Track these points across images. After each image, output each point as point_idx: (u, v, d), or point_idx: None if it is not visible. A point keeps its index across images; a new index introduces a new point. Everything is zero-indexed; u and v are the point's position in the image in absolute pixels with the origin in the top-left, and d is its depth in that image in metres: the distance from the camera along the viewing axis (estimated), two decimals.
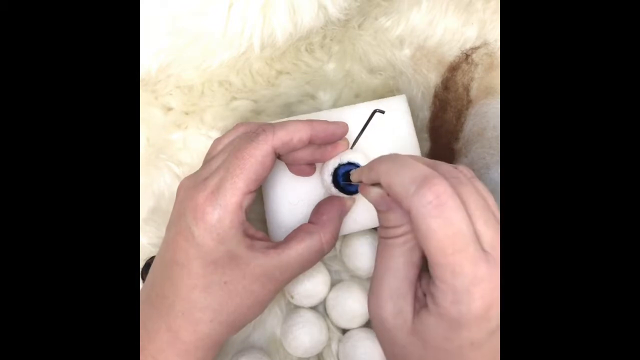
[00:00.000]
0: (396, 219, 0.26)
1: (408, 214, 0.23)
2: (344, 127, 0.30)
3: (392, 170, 0.25)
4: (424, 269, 0.26)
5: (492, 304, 0.22)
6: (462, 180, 0.24)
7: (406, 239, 0.26)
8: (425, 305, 0.24)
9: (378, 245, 0.27)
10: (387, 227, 0.27)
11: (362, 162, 0.31)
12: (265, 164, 0.27)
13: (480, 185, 0.25)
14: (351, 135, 0.31)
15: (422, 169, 0.24)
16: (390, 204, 0.26)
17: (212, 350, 0.28)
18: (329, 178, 0.31)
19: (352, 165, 0.31)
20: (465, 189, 0.24)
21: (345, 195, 0.31)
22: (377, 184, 0.27)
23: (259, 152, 0.27)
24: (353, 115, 0.33)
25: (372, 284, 0.26)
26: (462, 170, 0.26)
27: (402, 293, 0.25)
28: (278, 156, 0.29)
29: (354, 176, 0.29)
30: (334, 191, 0.31)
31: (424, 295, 0.25)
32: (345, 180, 0.31)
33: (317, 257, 0.29)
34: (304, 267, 0.29)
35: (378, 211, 0.28)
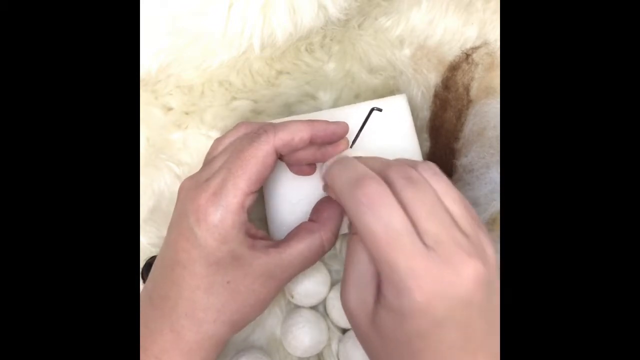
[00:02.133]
0: None
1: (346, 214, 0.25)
2: (345, 127, 0.30)
3: (334, 173, 0.27)
4: None
5: (433, 296, 0.22)
6: (413, 180, 0.25)
7: None
8: (378, 297, 0.25)
9: (347, 239, 0.28)
10: (352, 223, 0.27)
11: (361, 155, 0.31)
12: (267, 165, 0.27)
13: (438, 183, 0.25)
14: (351, 134, 0.31)
15: (360, 170, 0.25)
16: None
17: (215, 350, 0.28)
18: None
19: None
20: (411, 188, 0.24)
21: None
22: None
23: (261, 153, 0.27)
24: (353, 115, 0.33)
25: (342, 275, 0.27)
26: (420, 169, 0.26)
27: (364, 283, 0.25)
28: (279, 156, 0.29)
29: (321, 173, 0.31)
30: None
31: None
32: None
33: (318, 255, 0.29)
34: (305, 265, 0.29)
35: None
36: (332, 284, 0.35)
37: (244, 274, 0.27)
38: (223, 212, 0.26)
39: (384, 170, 0.25)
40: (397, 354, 0.24)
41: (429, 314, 0.23)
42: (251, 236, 0.28)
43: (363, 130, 0.31)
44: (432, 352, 0.23)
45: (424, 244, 0.23)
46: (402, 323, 0.23)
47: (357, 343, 0.33)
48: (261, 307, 0.28)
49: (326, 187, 0.30)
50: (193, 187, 0.27)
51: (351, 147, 0.32)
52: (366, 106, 0.35)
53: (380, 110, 0.29)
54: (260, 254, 0.27)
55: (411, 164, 0.26)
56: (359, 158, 0.28)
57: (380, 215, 0.23)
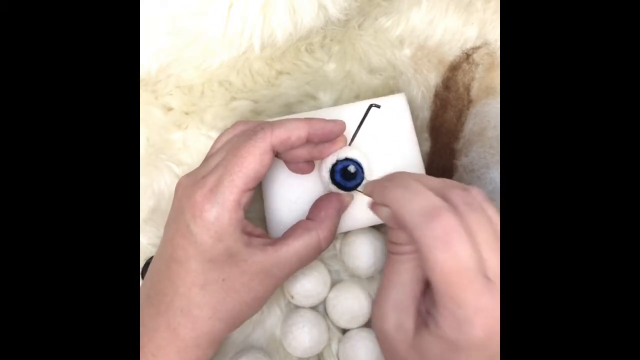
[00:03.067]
0: (405, 237, 0.27)
1: (415, 242, 0.24)
2: (342, 125, 0.30)
3: (401, 200, 0.25)
4: (428, 286, 0.26)
5: (493, 332, 0.23)
6: (474, 207, 0.24)
7: (413, 257, 0.26)
8: (426, 323, 0.24)
9: (386, 259, 0.28)
10: (395, 243, 0.27)
11: (360, 158, 0.31)
12: (264, 162, 0.27)
13: (490, 209, 0.25)
14: (349, 133, 0.31)
15: (432, 199, 0.24)
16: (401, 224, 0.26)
17: (212, 348, 0.28)
18: (326, 175, 0.31)
19: (350, 161, 0.31)
20: (475, 216, 0.24)
21: (343, 192, 0.31)
22: None
23: (257, 151, 0.27)
24: (351, 113, 0.33)
25: (377, 296, 0.27)
26: (474, 194, 0.25)
27: (405, 307, 0.25)
28: (276, 154, 0.29)
29: (366, 189, 0.30)
30: (332, 188, 0.31)
31: (427, 312, 0.25)
32: (342, 176, 0.31)
33: (315, 254, 0.29)
34: (302, 263, 0.29)
35: (388, 227, 0.28)
36: (332, 285, 0.35)
37: (240, 272, 0.27)
38: (219, 209, 0.26)
39: (444, 193, 0.25)
40: None
41: (486, 349, 0.23)
42: (248, 233, 0.28)
43: (362, 129, 0.31)
44: None
45: (486, 276, 0.23)
46: (455, 354, 0.23)
47: (357, 343, 0.33)
48: (258, 305, 0.28)
49: (375, 205, 0.28)
50: (190, 184, 0.27)
51: (349, 144, 0.32)
52: (365, 104, 0.35)
53: (378, 106, 0.29)
54: (256, 252, 0.27)
55: (462, 186, 0.26)
56: (412, 175, 0.27)
57: (456, 252, 0.23)
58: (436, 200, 0.24)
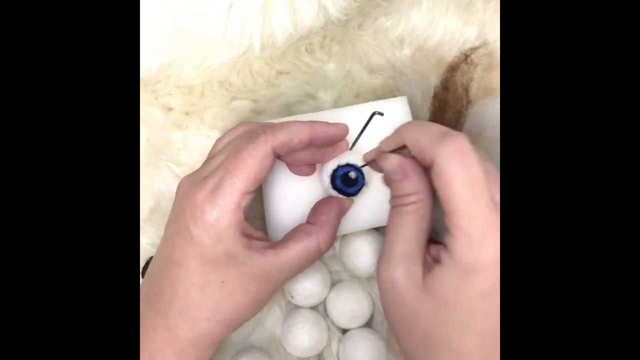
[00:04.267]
0: (410, 187, 0.27)
1: (425, 169, 0.26)
2: (345, 129, 0.30)
3: (417, 128, 0.27)
4: (431, 239, 0.28)
5: (498, 257, 0.23)
6: (478, 149, 0.26)
7: (418, 207, 0.27)
8: (435, 264, 0.25)
9: (389, 215, 0.28)
10: (400, 196, 0.28)
11: (361, 163, 0.31)
12: (265, 165, 0.27)
13: (490, 160, 0.27)
14: (351, 136, 0.31)
15: (445, 127, 0.26)
16: (407, 171, 0.28)
17: (210, 349, 0.28)
18: (327, 179, 0.31)
19: (351, 167, 0.31)
20: (481, 155, 0.25)
21: (343, 197, 0.32)
22: (394, 152, 0.29)
23: (259, 153, 0.27)
24: (353, 116, 0.33)
25: (383, 249, 0.27)
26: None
27: (414, 256, 0.26)
28: (278, 156, 0.29)
29: (370, 154, 0.31)
30: (333, 192, 0.31)
31: (433, 260, 0.26)
32: (343, 182, 0.31)
33: (315, 258, 0.29)
34: (302, 267, 0.29)
35: (393, 181, 0.29)
36: (332, 284, 0.35)
37: (240, 274, 0.27)
38: (219, 211, 0.26)
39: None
40: (452, 318, 0.24)
41: (495, 272, 0.23)
42: (248, 236, 0.28)
43: (363, 132, 0.31)
44: (490, 314, 0.24)
45: (494, 202, 0.24)
46: (467, 281, 0.24)
47: (357, 343, 0.33)
48: (256, 307, 0.28)
49: (383, 156, 0.29)
50: (191, 185, 0.27)
51: (351, 149, 0.32)
52: (367, 107, 0.35)
53: (381, 114, 0.29)
54: (256, 254, 0.27)
55: None
56: None
57: (470, 166, 0.24)
58: (446, 128, 0.26)
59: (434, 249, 0.27)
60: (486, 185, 0.24)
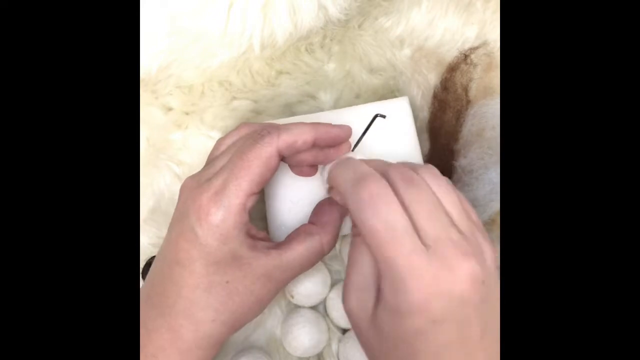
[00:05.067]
0: None
1: (349, 212, 0.25)
2: (348, 131, 0.30)
3: (337, 173, 0.27)
4: None
5: (431, 296, 0.23)
6: (414, 182, 0.25)
7: None
8: (379, 297, 0.25)
9: (350, 242, 0.28)
10: (354, 225, 0.27)
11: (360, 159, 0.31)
12: (270, 166, 0.27)
13: (440, 185, 0.26)
14: (353, 137, 0.31)
15: (362, 169, 0.26)
16: None
17: (213, 350, 0.28)
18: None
19: None
20: (412, 190, 0.25)
21: None
22: None
23: (264, 154, 0.27)
24: (355, 117, 0.33)
25: (345, 278, 0.27)
26: (420, 171, 0.26)
27: (365, 287, 0.25)
28: (281, 158, 0.29)
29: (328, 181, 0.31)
30: None
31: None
32: None
33: (317, 258, 0.29)
34: (304, 267, 0.29)
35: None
36: (332, 284, 0.35)
37: (244, 275, 0.27)
38: (224, 213, 0.26)
39: (385, 171, 0.26)
40: (396, 354, 0.24)
41: (427, 313, 0.23)
42: (251, 237, 0.28)
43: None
44: (430, 351, 0.23)
45: (423, 243, 0.23)
46: (401, 322, 0.23)
47: (357, 343, 0.33)
48: (259, 308, 0.28)
49: (330, 189, 0.30)
50: (195, 187, 0.27)
51: (353, 150, 0.32)
52: (369, 108, 0.35)
53: (384, 116, 0.29)
54: (260, 255, 0.27)
55: (411, 166, 0.27)
56: (359, 159, 0.29)
57: (381, 213, 0.24)
58: (367, 171, 0.26)
59: None
60: (404, 229, 0.23)
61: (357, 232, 0.27)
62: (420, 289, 0.23)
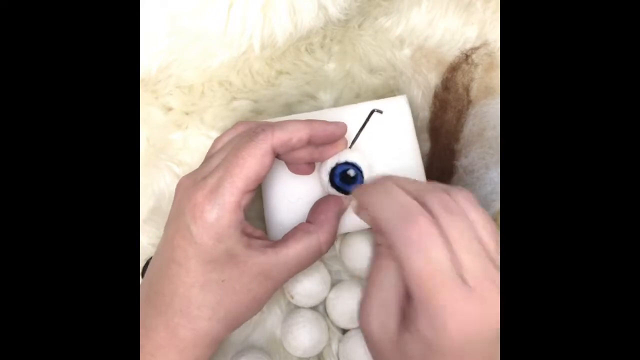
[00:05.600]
0: None
1: (391, 248, 0.24)
2: (343, 128, 0.30)
3: (378, 205, 0.25)
4: None
5: (469, 335, 0.22)
6: (452, 210, 0.24)
7: None
8: (408, 323, 0.24)
9: (372, 260, 0.27)
10: (380, 245, 0.27)
11: (360, 162, 0.31)
12: (264, 164, 0.27)
13: (473, 212, 0.25)
14: (350, 135, 0.31)
15: (407, 203, 0.24)
16: None
17: (210, 348, 0.28)
18: (326, 177, 0.31)
19: (350, 164, 0.31)
20: (452, 220, 0.24)
21: (342, 195, 0.31)
22: None
23: (258, 152, 0.27)
24: (352, 115, 0.33)
25: (362, 297, 0.26)
26: (457, 198, 0.25)
27: (389, 308, 0.25)
28: (277, 155, 0.29)
29: (353, 193, 0.29)
30: (332, 191, 0.31)
31: (408, 313, 0.25)
32: (342, 180, 0.31)
33: (315, 257, 0.29)
34: (302, 266, 0.29)
35: (373, 229, 0.28)
36: (332, 284, 0.35)
37: (240, 273, 0.27)
38: (219, 211, 0.26)
39: (422, 196, 0.25)
40: None
41: (463, 354, 0.23)
42: (248, 235, 0.28)
43: (363, 131, 0.31)
44: None
45: (464, 280, 0.23)
46: (432, 354, 0.23)
47: (357, 343, 0.33)
48: (257, 306, 0.28)
49: (359, 210, 0.28)
50: (190, 185, 0.27)
51: (350, 147, 0.32)
52: (366, 106, 0.34)
53: (380, 112, 0.29)
54: (256, 253, 0.27)
55: (446, 189, 0.26)
56: (391, 179, 0.27)
57: (430, 256, 0.23)
58: (412, 206, 0.24)
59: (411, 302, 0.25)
60: (449, 272, 0.23)
61: (380, 252, 0.26)
62: (461, 329, 0.22)
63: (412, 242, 0.23)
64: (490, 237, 0.24)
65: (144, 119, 0.38)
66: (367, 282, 0.26)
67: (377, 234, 0.27)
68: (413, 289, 0.23)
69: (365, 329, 0.26)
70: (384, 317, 0.25)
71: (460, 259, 0.23)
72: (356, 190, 0.28)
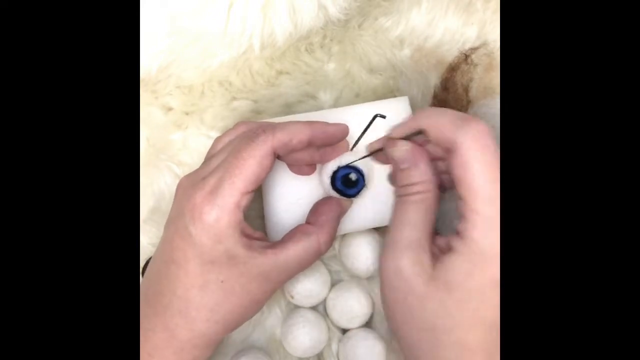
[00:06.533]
0: (418, 176, 0.27)
1: (449, 149, 0.25)
2: (344, 130, 0.30)
3: (436, 112, 0.27)
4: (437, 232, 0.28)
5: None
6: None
7: (425, 197, 0.27)
8: (444, 253, 0.25)
9: (395, 206, 0.28)
10: (407, 185, 0.28)
11: (361, 165, 0.31)
12: (264, 165, 0.27)
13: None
14: (351, 136, 0.31)
15: (463, 113, 0.27)
16: (417, 159, 0.28)
17: (209, 349, 0.28)
18: (327, 180, 0.31)
19: (351, 168, 0.31)
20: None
21: (343, 197, 0.32)
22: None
23: (259, 153, 0.27)
24: (354, 116, 0.33)
25: (387, 238, 0.27)
26: None
27: (421, 244, 0.26)
28: (277, 156, 0.29)
29: (377, 143, 0.31)
30: (332, 193, 0.31)
31: (440, 250, 0.26)
32: (343, 184, 0.31)
33: (314, 258, 0.29)
34: (301, 267, 0.29)
35: (400, 170, 0.28)
36: (332, 284, 0.35)
37: (239, 274, 0.27)
38: (219, 212, 0.26)
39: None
40: (462, 306, 0.24)
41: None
42: (247, 236, 0.28)
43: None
44: (498, 304, 0.23)
45: None
46: (481, 268, 0.24)
47: (357, 343, 0.33)
48: (256, 307, 0.28)
49: (392, 143, 0.29)
50: (190, 185, 0.27)
51: (351, 150, 0.32)
52: (368, 107, 0.34)
53: (383, 117, 0.29)
54: (256, 255, 0.27)
55: None
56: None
57: (490, 150, 0.24)
58: (465, 114, 0.26)
59: (440, 239, 0.27)
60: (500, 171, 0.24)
61: (405, 192, 0.27)
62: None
63: (474, 136, 0.24)
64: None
65: (144, 119, 0.38)
66: (392, 225, 0.27)
67: (403, 174, 0.28)
68: (472, 182, 0.24)
69: (393, 267, 0.26)
70: (417, 253, 0.26)
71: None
72: (395, 127, 0.29)
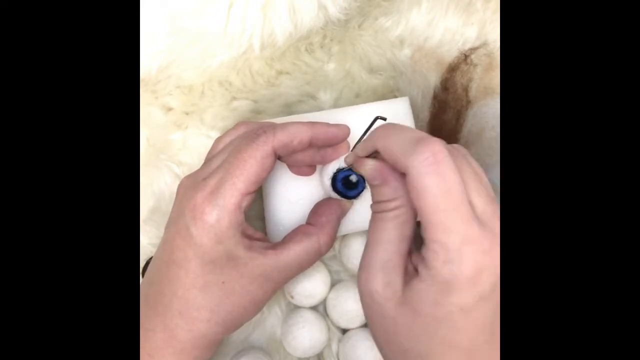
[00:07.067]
0: (390, 193, 0.26)
1: (404, 174, 0.24)
2: (345, 131, 0.30)
3: (389, 134, 0.25)
4: (414, 245, 0.26)
5: (483, 268, 0.22)
6: (456, 154, 0.25)
7: (399, 213, 0.25)
8: (415, 275, 0.24)
9: (370, 222, 0.27)
10: (380, 202, 0.26)
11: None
12: (265, 166, 0.27)
13: (474, 163, 0.26)
14: (352, 136, 0.31)
15: (419, 132, 0.25)
16: (385, 176, 0.26)
17: (209, 349, 0.28)
18: (328, 182, 0.31)
19: (352, 170, 0.31)
20: (459, 160, 0.24)
21: (344, 199, 0.32)
22: (371, 157, 0.27)
23: (259, 154, 0.27)
24: (354, 117, 0.33)
25: (363, 257, 0.26)
26: (456, 147, 0.26)
27: (393, 265, 0.25)
28: (278, 157, 0.29)
29: (349, 158, 0.29)
30: (333, 195, 0.31)
31: (414, 269, 0.25)
32: (344, 185, 0.31)
33: (315, 259, 0.29)
34: (302, 268, 0.29)
35: (372, 186, 0.27)
36: (332, 284, 0.35)
37: (240, 275, 0.27)
38: (219, 212, 0.26)
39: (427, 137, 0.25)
40: (431, 333, 0.23)
41: (477, 288, 0.22)
42: (248, 237, 0.28)
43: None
44: (471, 329, 0.23)
45: (476, 216, 0.23)
46: (447, 297, 0.22)
47: (357, 343, 0.33)
48: (256, 308, 0.28)
49: (359, 161, 0.28)
50: (191, 186, 0.27)
51: (352, 151, 0.32)
52: (369, 108, 0.34)
53: (384, 119, 0.29)
54: (256, 255, 0.27)
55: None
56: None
57: (445, 176, 0.22)
58: (422, 132, 0.25)
59: (416, 257, 0.25)
60: (463, 196, 0.23)
61: (379, 209, 0.26)
62: (476, 260, 0.22)
63: (426, 160, 0.23)
64: (487, 185, 0.25)
65: (144, 119, 0.38)
66: (367, 243, 0.26)
67: (377, 190, 0.27)
68: (426, 211, 0.23)
69: (367, 289, 0.25)
70: (389, 274, 0.24)
71: (470, 193, 0.23)
72: (358, 146, 0.28)
